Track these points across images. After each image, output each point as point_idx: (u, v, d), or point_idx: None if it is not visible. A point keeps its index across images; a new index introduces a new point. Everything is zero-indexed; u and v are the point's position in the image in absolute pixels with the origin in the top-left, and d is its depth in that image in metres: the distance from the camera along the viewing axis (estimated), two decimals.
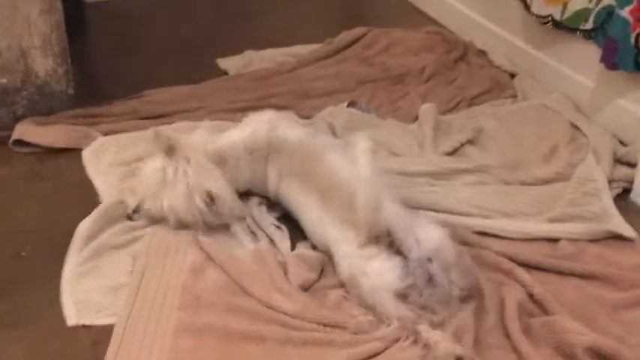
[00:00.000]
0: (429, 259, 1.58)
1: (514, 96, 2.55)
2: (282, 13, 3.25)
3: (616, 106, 2.30)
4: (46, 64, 2.27)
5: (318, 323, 1.55)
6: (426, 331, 1.50)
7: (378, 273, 1.59)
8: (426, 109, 2.34)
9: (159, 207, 1.82)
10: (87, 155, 2.14)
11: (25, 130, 2.21)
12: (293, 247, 1.81)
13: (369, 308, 1.58)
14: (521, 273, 1.70)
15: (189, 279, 1.66)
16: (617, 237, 1.86)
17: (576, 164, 2.11)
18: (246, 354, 1.49)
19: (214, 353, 1.49)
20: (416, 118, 2.35)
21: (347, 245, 1.65)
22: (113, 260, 1.75)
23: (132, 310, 1.59)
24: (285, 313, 1.57)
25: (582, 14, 2.37)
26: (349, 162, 1.72)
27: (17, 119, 2.26)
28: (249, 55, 2.80)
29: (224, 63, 2.75)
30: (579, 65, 2.45)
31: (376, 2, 3.46)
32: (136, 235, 1.82)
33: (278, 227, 1.86)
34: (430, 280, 1.59)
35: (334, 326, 1.54)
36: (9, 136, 2.20)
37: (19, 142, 2.19)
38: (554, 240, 1.85)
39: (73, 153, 2.16)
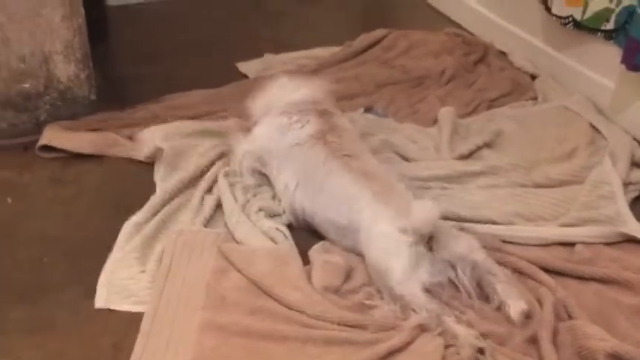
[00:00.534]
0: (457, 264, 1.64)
1: (534, 98, 2.54)
2: (300, 15, 3.25)
3: (637, 107, 2.28)
4: (68, 69, 2.29)
5: (339, 324, 1.56)
6: (452, 323, 1.54)
7: (414, 262, 1.62)
8: (445, 112, 2.34)
9: None
10: None
11: (53, 136, 2.23)
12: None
13: (395, 297, 1.60)
14: (545, 277, 1.70)
15: (213, 279, 1.69)
16: (633, 240, 1.85)
17: (592, 167, 2.10)
18: (269, 352, 1.51)
19: (238, 351, 1.51)
20: (435, 122, 2.35)
21: (386, 224, 1.68)
22: (150, 251, 1.80)
23: (157, 310, 1.62)
24: (306, 314, 1.58)
25: (603, 15, 2.35)
26: None
27: (39, 125, 2.28)
28: (268, 58, 2.81)
29: (244, 67, 2.76)
30: (600, 66, 2.44)
31: (396, 4, 3.45)
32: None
33: (279, 230, 1.86)
34: (453, 283, 1.65)
35: (355, 326, 1.56)
36: (32, 142, 2.22)
37: (44, 148, 2.21)
38: (569, 244, 1.85)
39: (95, 159, 2.18)
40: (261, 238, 1.84)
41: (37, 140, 2.21)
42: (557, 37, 2.62)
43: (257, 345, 1.52)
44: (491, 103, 2.50)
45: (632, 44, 2.18)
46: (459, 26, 3.08)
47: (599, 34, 2.39)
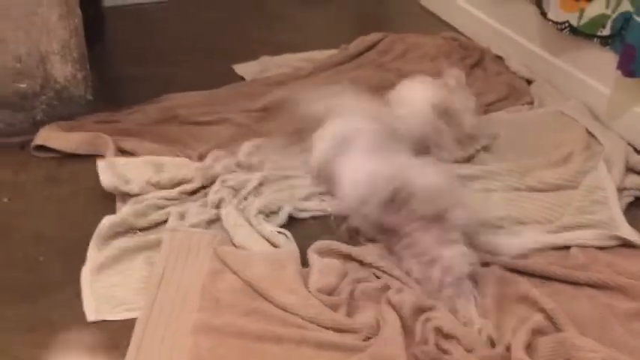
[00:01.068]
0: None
1: (531, 103, 2.54)
2: (297, 19, 3.25)
3: (633, 113, 2.29)
4: (65, 69, 2.29)
5: (332, 328, 1.57)
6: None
7: None
8: None
9: None
10: None
11: (48, 136, 2.23)
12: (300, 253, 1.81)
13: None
14: (531, 290, 1.69)
15: (208, 280, 1.69)
16: (627, 245, 1.85)
17: (587, 172, 2.10)
18: (265, 352, 1.52)
19: (234, 352, 1.52)
20: None
21: None
22: (132, 257, 1.79)
23: (151, 312, 1.62)
24: (300, 317, 1.59)
25: (599, 21, 2.36)
26: None
27: (36, 124, 2.28)
28: (265, 60, 2.81)
29: (240, 69, 2.76)
30: (596, 72, 2.44)
31: (392, 8, 3.46)
32: (156, 234, 1.86)
33: (281, 233, 1.87)
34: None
35: (346, 331, 1.57)
36: (28, 141, 2.22)
37: (40, 147, 2.21)
38: (563, 248, 1.85)
39: (91, 158, 2.17)
40: (260, 242, 1.83)
41: (33, 139, 2.21)
42: (553, 43, 2.63)
43: (253, 346, 1.53)
44: (488, 107, 2.50)
45: (628, 50, 2.19)
46: (455, 31, 3.09)
47: (595, 39, 2.40)
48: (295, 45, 2.93)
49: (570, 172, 2.11)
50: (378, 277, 1.73)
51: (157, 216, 1.92)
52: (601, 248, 1.85)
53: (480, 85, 2.64)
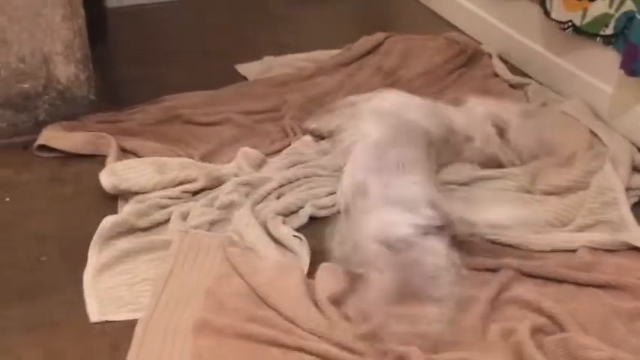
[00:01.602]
0: None
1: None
2: (301, 19, 3.25)
3: (635, 112, 2.29)
4: (68, 70, 2.30)
5: (330, 342, 1.54)
6: None
7: None
8: None
9: None
10: None
11: (50, 136, 2.24)
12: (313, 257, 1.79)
13: None
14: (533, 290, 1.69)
15: (214, 283, 1.69)
16: (635, 248, 1.84)
17: (594, 172, 2.09)
18: (265, 355, 1.51)
19: (234, 352, 1.51)
20: None
21: None
22: (136, 258, 1.79)
23: (154, 312, 1.62)
24: (301, 328, 1.57)
25: (602, 20, 2.36)
26: None
27: (39, 124, 2.28)
28: (268, 60, 2.81)
29: (243, 69, 2.76)
30: (599, 71, 2.44)
31: (396, 8, 3.46)
32: (159, 235, 1.87)
33: (296, 237, 1.85)
34: None
35: (344, 348, 1.53)
36: (31, 141, 2.22)
37: (43, 147, 2.22)
38: (571, 250, 1.84)
39: (95, 158, 2.18)
40: (272, 246, 1.81)
41: (36, 139, 2.22)
42: (556, 42, 2.63)
43: (254, 347, 1.52)
44: None
45: (631, 49, 2.19)
46: (457, 30, 3.08)
47: (598, 39, 2.40)
48: (298, 45, 2.93)
49: (579, 173, 2.10)
50: None
51: (159, 216, 1.93)
52: (609, 251, 1.84)
53: (479, 85, 2.63)
